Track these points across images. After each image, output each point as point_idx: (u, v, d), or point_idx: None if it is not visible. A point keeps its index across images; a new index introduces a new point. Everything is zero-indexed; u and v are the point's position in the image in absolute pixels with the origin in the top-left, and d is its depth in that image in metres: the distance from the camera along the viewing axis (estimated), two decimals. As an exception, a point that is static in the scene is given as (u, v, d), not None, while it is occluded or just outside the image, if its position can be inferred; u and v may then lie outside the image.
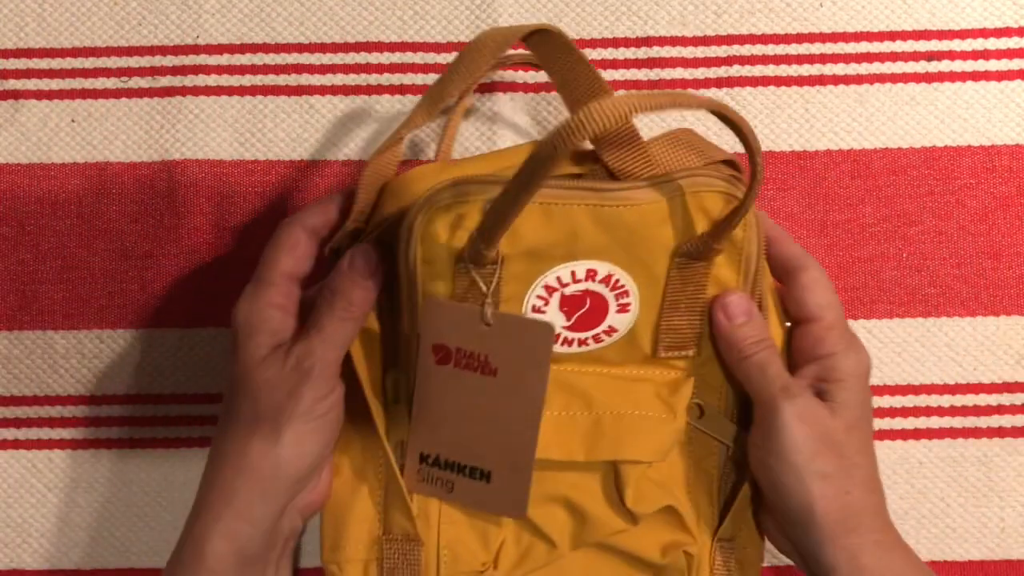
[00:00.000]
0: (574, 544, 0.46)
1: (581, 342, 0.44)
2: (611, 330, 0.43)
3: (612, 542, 0.46)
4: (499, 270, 0.40)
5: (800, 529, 0.43)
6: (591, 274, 0.42)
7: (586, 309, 0.43)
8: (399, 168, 0.51)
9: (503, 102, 0.57)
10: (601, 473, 0.45)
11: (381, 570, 0.45)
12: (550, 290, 0.42)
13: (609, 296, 0.42)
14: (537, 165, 0.34)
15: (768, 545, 0.50)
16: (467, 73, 0.41)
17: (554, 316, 0.43)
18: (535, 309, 0.42)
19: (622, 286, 0.42)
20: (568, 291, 0.42)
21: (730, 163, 0.45)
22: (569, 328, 0.43)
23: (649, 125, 0.56)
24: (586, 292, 0.42)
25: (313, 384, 0.41)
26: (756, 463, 0.45)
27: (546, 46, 0.42)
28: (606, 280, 0.42)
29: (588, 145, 0.42)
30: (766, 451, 0.43)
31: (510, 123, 0.57)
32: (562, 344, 0.43)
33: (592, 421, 0.44)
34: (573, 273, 0.41)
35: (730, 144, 0.54)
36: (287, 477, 0.42)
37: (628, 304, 0.43)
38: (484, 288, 0.40)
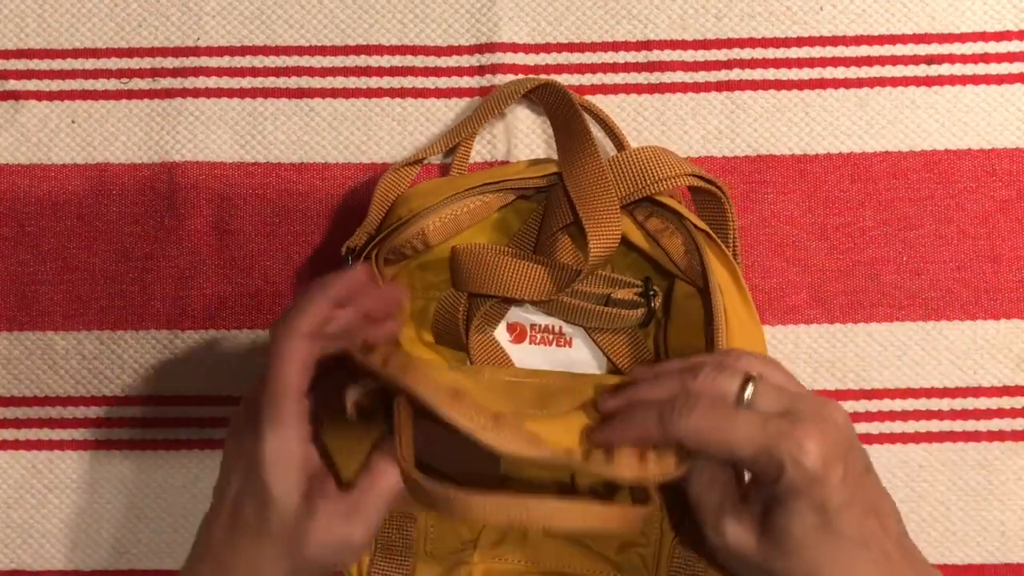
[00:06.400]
0: (544, 532, 0.50)
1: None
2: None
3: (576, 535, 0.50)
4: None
5: None
6: None
7: None
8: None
9: (517, 114, 0.57)
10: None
11: (378, 541, 0.50)
12: None
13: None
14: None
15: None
16: (482, 119, 0.52)
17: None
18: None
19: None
20: None
21: (705, 180, 0.48)
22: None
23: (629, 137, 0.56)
24: None
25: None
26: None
27: (548, 95, 0.51)
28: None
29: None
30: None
31: (523, 135, 0.57)
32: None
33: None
34: None
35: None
36: None
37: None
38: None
